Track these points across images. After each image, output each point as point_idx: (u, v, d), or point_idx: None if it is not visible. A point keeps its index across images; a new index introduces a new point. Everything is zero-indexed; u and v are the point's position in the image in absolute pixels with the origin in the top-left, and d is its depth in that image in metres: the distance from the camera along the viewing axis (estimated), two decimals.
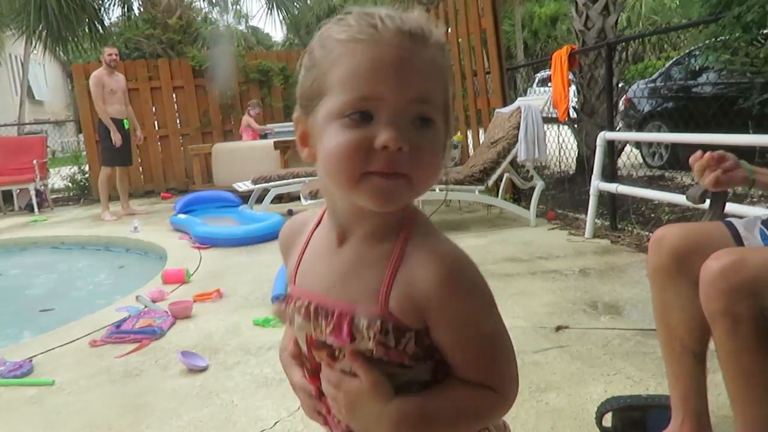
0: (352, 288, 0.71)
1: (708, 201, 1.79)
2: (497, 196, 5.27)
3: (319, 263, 0.77)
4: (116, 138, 6.56)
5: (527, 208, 4.85)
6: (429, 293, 0.66)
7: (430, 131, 0.67)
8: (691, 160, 1.52)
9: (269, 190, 5.93)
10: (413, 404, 0.69)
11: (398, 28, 0.66)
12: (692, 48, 6.66)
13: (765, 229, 1.49)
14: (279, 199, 6.47)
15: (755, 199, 4.74)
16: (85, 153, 9.27)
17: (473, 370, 0.70)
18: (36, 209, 7.99)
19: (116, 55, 6.78)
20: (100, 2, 11.76)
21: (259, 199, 6.27)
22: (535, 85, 12.69)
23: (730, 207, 2.21)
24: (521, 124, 4.72)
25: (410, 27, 0.66)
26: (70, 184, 9.56)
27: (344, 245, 0.74)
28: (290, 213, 6.11)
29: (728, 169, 1.47)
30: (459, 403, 0.70)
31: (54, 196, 9.05)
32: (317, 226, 0.80)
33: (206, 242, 4.84)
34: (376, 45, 0.65)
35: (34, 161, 8.18)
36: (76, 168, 9.54)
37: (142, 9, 11.83)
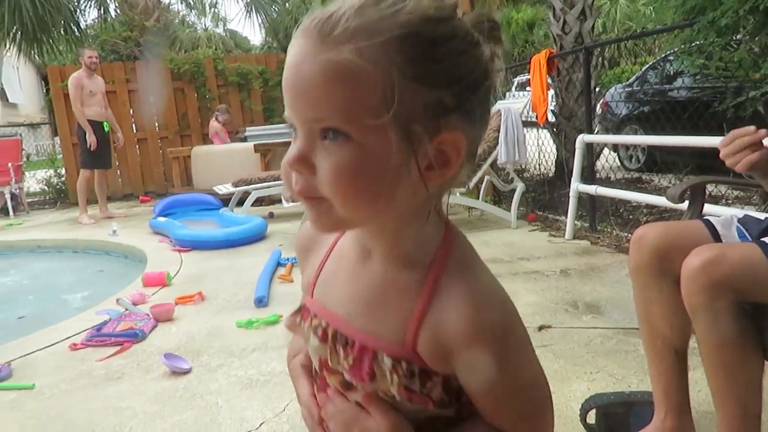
0: (378, 320, 0.64)
1: (687, 201, 1.83)
2: (478, 198, 5.30)
3: (340, 279, 0.70)
4: (91, 140, 6.48)
5: (508, 210, 4.89)
6: (458, 339, 0.59)
7: (344, 145, 0.56)
8: (721, 144, 1.41)
9: (250, 193, 5.90)
10: None
11: (302, 29, 0.57)
12: (667, 52, 6.76)
13: (742, 227, 1.53)
14: (260, 202, 6.44)
15: (731, 202, 4.84)
16: (61, 156, 9.14)
17: (504, 421, 0.64)
18: (11, 213, 7.86)
19: (96, 57, 6.73)
20: (76, 4, 11.62)
21: (240, 202, 6.23)
22: (514, 88, 12.79)
23: (708, 208, 2.25)
24: (501, 127, 4.76)
25: (314, 22, 0.56)
26: (46, 188, 9.41)
27: (368, 263, 0.67)
28: (271, 216, 6.08)
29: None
30: None
31: (29, 200, 8.91)
32: (342, 234, 0.73)
33: (187, 245, 4.80)
34: (287, 56, 0.58)
35: (9, 164, 8.03)
36: (52, 171, 9.40)
37: (118, 11, 11.73)
